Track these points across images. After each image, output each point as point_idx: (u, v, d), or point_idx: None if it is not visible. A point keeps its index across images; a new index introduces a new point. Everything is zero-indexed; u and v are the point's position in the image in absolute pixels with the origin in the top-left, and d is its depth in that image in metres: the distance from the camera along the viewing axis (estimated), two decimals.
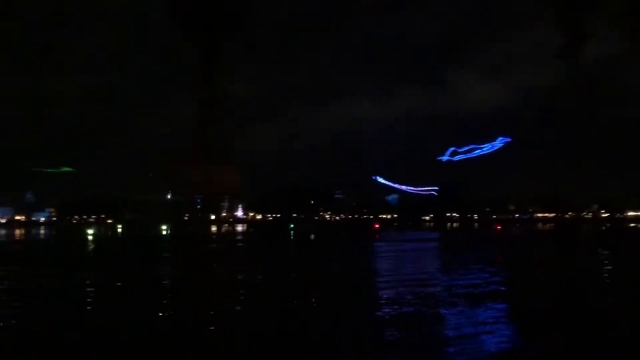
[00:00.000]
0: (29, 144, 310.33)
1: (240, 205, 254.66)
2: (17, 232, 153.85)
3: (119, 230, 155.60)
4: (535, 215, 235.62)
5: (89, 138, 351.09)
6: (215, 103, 28.76)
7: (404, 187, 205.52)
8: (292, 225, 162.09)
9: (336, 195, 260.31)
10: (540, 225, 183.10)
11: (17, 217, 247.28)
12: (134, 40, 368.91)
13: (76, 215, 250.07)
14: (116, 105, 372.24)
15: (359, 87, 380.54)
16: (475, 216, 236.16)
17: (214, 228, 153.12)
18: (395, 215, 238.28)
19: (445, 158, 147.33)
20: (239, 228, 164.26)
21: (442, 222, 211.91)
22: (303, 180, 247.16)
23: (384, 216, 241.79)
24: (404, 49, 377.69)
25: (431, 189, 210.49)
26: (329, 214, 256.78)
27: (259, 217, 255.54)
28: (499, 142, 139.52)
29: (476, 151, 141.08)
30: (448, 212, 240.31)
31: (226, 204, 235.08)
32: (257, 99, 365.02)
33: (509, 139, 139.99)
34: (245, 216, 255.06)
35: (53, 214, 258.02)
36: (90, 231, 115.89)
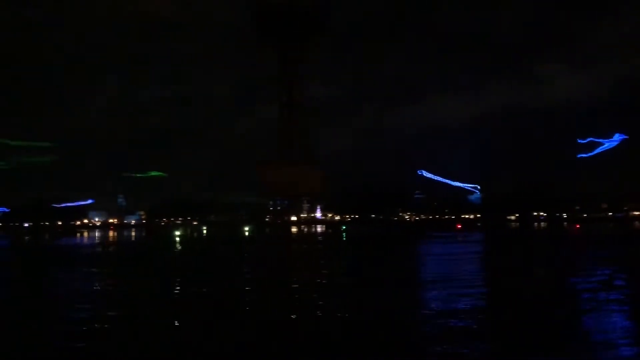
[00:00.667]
0: (121, 150, 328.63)
1: (319, 206, 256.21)
2: (111, 233, 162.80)
3: (204, 231, 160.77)
4: (631, 213, 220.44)
5: (176, 144, 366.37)
6: (297, 106, 28.54)
7: (449, 182, 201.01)
8: (344, 227, 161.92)
9: (416, 195, 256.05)
10: (637, 224, 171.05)
11: (111, 220, 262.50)
12: (219, 49, 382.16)
13: (164, 218, 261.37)
14: (202, 112, 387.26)
15: (443, 84, 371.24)
16: (564, 215, 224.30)
17: (294, 229, 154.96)
18: (479, 215, 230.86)
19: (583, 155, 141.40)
20: (318, 229, 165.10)
21: (528, 221, 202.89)
22: (383, 180, 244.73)
23: (467, 216, 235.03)
24: (489, 42, 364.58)
25: (473, 186, 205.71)
26: (408, 215, 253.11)
27: (337, 217, 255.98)
28: (616, 139, 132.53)
29: (598, 148, 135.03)
30: (535, 211, 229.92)
31: (307, 205, 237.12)
32: (339, 99, 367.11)
33: (625, 137, 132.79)
34: (323, 217, 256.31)
35: (143, 216, 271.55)
36: (177, 232, 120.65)
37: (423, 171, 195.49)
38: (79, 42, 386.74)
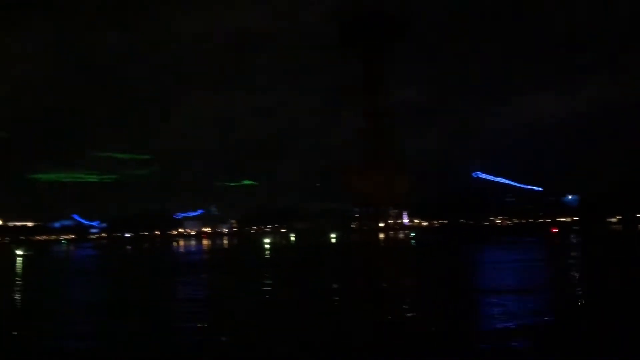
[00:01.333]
0: (213, 161, 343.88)
1: (405, 212, 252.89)
2: (205, 242, 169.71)
3: (292, 238, 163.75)
4: None
5: (265, 153, 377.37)
6: (381, 113, 28.61)
7: (509, 182, 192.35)
8: (413, 234, 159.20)
9: (507, 199, 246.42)
10: None
11: (204, 229, 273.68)
12: (305, 58, 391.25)
13: (254, 226, 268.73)
14: (289, 121, 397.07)
15: (533, 83, 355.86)
16: None
17: (381, 235, 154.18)
18: (576, 218, 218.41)
19: None
20: (403, 235, 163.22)
21: (632, 223, 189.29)
22: (472, 184, 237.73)
23: (563, 219, 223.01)
24: (582, 36, 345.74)
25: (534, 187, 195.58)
26: (500, 219, 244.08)
27: (424, 223, 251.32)
28: None
29: None
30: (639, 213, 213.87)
31: (393, 211, 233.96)
32: (425, 101, 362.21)
33: None
34: (410, 223, 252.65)
35: (234, 224, 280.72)
36: (267, 240, 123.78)
37: (478, 173, 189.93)
38: (170, 57, 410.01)
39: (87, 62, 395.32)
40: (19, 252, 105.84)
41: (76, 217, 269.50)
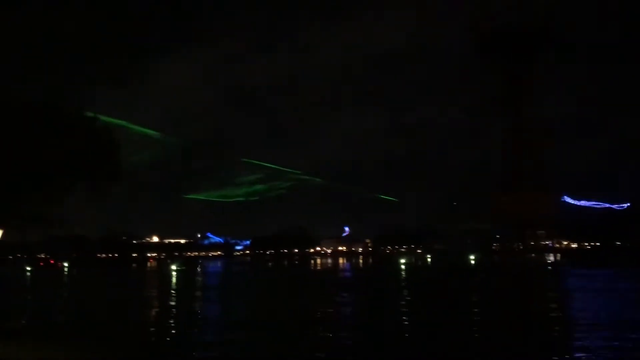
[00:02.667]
0: (351, 178, 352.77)
1: (552, 234, 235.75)
2: (340, 261, 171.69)
3: (428, 259, 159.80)
4: None
5: (400, 170, 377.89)
6: (526, 129, 26.74)
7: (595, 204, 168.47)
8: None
9: None
10: None
11: (340, 248, 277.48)
12: (444, 75, 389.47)
13: (389, 245, 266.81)
14: (428, 137, 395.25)
15: None
16: None
17: (526, 257, 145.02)
18: None
19: None
20: (551, 258, 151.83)
21: None
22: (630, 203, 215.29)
23: None
24: None
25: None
26: None
27: (574, 245, 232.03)
28: None
29: None
30: None
31: (540, 232, 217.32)
32: (575, 115, 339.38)
33: None
34: (557, 245, 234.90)
35: (369, 244, 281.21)
36: (402, 260, 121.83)
37: (566, 197, 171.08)
38: (315, 79, 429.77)
39: (237, 87, 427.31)
40: (173, 266, 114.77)
41: (216, 237, 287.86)
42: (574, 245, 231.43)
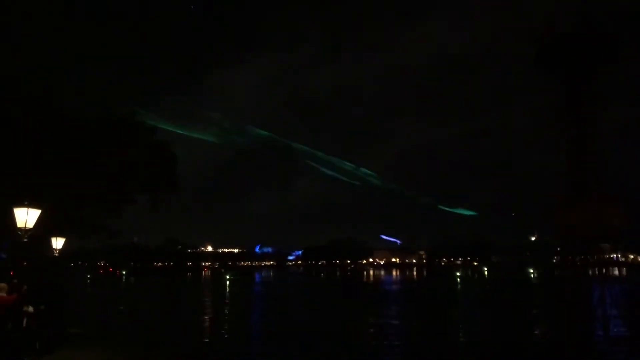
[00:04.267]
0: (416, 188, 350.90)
1: (618, 247, 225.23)
2: (394, 272, 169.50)
3: (485, 272, 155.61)
4: None
5: (460, 182, 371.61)
6: (589, 137, 25.68)
7: None
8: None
9: None
10: None
11: (393, 259, 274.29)
12: (509, 82, 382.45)
13: (444, 257, 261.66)
14: (492, 146, 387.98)
15: None
16: None
17: (589, 272, 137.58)
18: None
19: None
20: (616, 272, 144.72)
21: None
22: None
23: None
24: None
25: None
26: None
27: None
28: None
29: None
30: None
31: (604, 245, 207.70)
32: None
33: None
34: (624, 259, 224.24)
35: (423, 255, 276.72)
36: (457, 273, 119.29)
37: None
38: (379, 86, 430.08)
39: (302, 94, 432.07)
40: (227, 275, 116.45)
41: (268, 247, 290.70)
42: None
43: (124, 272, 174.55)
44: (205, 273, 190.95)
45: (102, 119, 20.66)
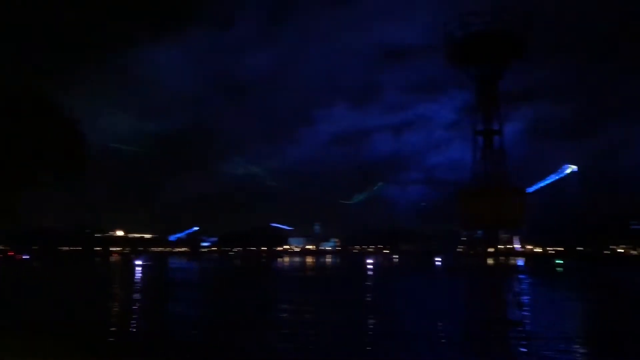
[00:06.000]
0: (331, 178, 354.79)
1: (517, 237, 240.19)
2: (309, 259, 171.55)
3: (395, 259, 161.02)
4: None
5: (378, 172, 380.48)
6: (495, 133, 27.13)
7: None
8: (559, 261, 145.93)
9: (632, 226, 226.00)
10: None
11: (308, 247, 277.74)
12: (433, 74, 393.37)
13: (357, 245, 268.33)
14: (412, 139, 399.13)
15: None
16: None
17: (490, 261, 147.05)
18: None
19: None
20: (518, 262, 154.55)
21: None
22: (597, 209, 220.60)
23: None
24: None
25: None
26: (623, 247, 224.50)
27: (538, 249, 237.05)
28: None
29: None
30: None
31: (505, 236, 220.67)
32: (554, 115, 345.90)
33: None
34: (522, 248, 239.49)
35: (337, 243, 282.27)
36: (369, 260, 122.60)
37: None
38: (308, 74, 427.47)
39: (228, 77, 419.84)
40: (138, 262, 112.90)
41: (189, 231, 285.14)
42: (538, 250, 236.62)
43: (25, 257, 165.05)
44: (115, 258, 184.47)
45: (4, 94, 19.37)
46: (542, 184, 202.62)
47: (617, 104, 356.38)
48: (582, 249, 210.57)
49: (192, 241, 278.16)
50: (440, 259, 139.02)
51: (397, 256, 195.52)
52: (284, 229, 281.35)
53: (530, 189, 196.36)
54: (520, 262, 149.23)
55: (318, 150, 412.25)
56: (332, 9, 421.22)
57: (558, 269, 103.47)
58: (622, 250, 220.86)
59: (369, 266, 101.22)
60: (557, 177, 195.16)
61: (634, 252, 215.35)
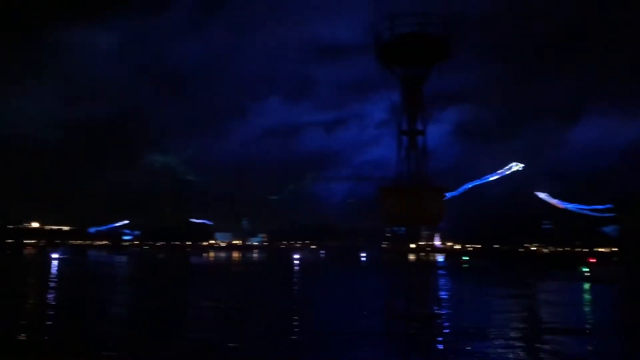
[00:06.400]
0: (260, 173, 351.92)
1: (438, 235, 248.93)
2: (235, 254, 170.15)
3: (322, 255, 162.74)
4: None
5: (306, 168, 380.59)
6: (417, 135, 28.15)
7: (569, 206, 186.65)
8: (465, 258, 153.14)
9: (544, 225, 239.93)
10: None
11: (235, 242, 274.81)
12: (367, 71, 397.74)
13: (284, 241, 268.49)
14: (341, 135, 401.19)
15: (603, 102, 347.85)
16: None
17: (412, 257, 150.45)
18: (615, 249, 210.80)
19: None
20: (438, 258, 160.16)
21: None
22: (514, 208, 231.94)
23: (601, 249, 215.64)
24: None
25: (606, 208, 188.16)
26: (535, 246, 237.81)
27: (457, 247, 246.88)
28: None
29: None
30: None
31: (426, 233, 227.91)
32: (483, 120, 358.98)
33: None
34: (443, 245, 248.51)
35: (264, 238, 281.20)
36: (296, 255, 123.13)
37: (540, 193, 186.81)
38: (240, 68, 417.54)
39: (159, 66, 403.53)
40: (54, 255, 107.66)
41: (117, 224, 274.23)
42: (458, 247, 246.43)
43: None
44: (29, 251, 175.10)
45: None
46: (486, 180, 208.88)
47: (539, 107, 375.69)
48: (498, 246, 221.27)
49: (114, 234, 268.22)
50: (365, 255, 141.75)
51: (323, 251, 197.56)
52: (205, 223, 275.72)
53: (472, 184, 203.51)
54: (441, 258, 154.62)
55: (249, 144, 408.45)
56: (269, 1, 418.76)
57: (464, 265, 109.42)
58: (535, 248, 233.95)
59: (295, 261, 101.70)
60: (502, 174, 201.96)
61: (545, 251, 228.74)
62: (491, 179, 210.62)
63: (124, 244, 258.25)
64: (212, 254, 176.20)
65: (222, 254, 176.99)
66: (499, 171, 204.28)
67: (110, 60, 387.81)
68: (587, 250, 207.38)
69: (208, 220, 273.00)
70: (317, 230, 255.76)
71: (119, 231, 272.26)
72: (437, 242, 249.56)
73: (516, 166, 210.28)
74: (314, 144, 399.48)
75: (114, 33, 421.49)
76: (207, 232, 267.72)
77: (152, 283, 54.14)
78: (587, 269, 69.66)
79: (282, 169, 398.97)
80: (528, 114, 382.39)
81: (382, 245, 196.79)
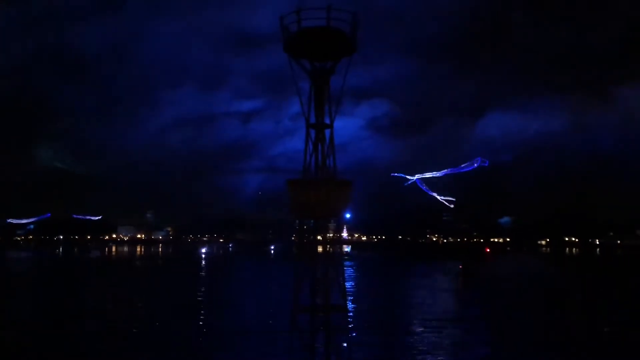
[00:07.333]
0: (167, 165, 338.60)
1: (345, 227, 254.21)
2: (139, 249, 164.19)
3: (230, 248, 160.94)
4: None
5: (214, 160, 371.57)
6: (325, 128, 28.28)
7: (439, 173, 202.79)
8: (348, 249, 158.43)
9: (444, 218, 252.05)
10: None
11: (139, 236, 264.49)
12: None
13: (191, 234, 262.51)
14: (258, 127, 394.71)
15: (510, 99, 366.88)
16: (597, 241, 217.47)
17: (320, 249, 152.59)
18: (508, 239, 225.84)
19: None
20: (346, 249, 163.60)
21: (560, 247, 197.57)
22: (415, 201, 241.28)
23: (496, 240, 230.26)
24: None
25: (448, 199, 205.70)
26: (436, 236, 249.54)
27: (364, 238, 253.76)
28: None
29: None
30: (567, 237, 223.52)
31: (333, 225, 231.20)
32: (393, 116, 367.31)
33: None
34: (350, 237, 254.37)
35: (170, 232, 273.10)
36: (203, 249, 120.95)
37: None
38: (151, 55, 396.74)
39: (60, 51, 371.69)
40: None
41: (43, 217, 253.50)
42: (364, 238, 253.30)
43: None
44: None
45: None
46: (450, 172, 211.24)
47: (448, 103, 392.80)
48: (401, 237, 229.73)
49: (2, 228, 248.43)
50: (273, 247, 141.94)
51: (232, 245, 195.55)
52: (90, 219, 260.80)
53: (439, 174, 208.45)
54: (347, 249, 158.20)
55: (158, 134, 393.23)
56: None
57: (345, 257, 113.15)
58: (435, 239, 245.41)
59: (202, 255, 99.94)
60: (469, 168, 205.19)
61: (445, 241, 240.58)
62: (458, 171, 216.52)
63: (17, 238, 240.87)
64: (113, 248, 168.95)
65: (125, 249, 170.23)
66: (466, 165, 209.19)
67: (8, 39, 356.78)
68: (482, 240, 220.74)
69: (93, 216, 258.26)
70: (226, 223, 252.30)
71: (7, 224, 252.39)
72: (344, 234, 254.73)
73: (481, 161, 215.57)
74: (229, 135, 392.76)
75: (16, 7, 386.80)
76: (110, 226, 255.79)
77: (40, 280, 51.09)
78: (461, 265, 74.21)
79: (193, 160, 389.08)
80: (437, 110, 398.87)
81: (292, 238, 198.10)
